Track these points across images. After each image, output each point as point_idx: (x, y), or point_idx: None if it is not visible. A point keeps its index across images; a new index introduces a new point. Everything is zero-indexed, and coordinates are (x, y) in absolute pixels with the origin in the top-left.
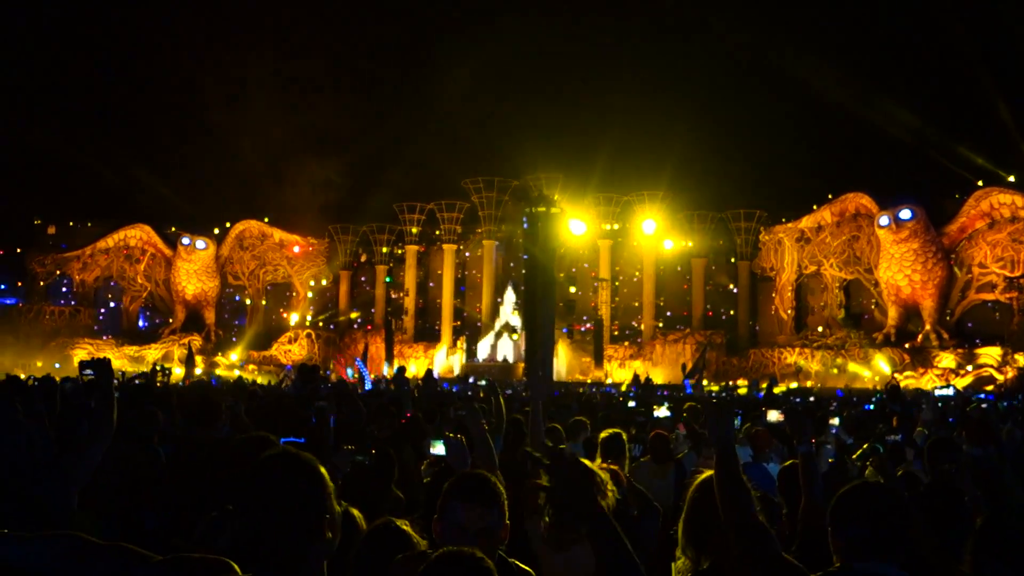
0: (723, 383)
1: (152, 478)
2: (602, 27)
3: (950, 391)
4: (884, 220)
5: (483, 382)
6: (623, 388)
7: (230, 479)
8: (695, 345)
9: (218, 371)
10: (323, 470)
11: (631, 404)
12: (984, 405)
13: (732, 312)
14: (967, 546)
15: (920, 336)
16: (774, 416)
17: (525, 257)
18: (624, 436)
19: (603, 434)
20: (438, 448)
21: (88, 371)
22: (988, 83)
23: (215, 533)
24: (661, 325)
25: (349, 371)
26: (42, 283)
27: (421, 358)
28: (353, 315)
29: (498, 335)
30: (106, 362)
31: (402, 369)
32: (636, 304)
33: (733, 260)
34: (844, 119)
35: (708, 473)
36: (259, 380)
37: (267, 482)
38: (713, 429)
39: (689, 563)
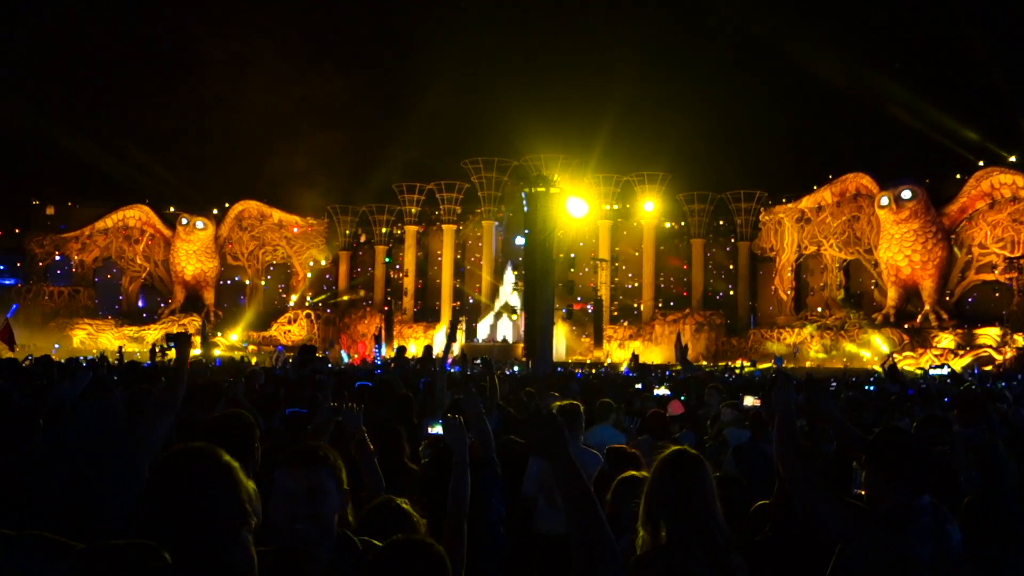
0: (723, 363)
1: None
2: (602, 5)
3: (944, 371)
4: (884, 200)
5: (478, 361)
6: (620, 368)
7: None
8: (694, 325)
9: (217, 351)
10: (228, 460)
11: (637, 386)
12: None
13: (732, 292)
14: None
15: (919, 317)
16: (749, 401)
17: (524, 237)
18: (581, 408)
19: (557, 404)
20: (436, 428)
21: (171, 343)
22: (989, 62)
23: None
24: (660, 305)
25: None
26: (41, 264)
27: (420, 338)
28: (349, 296)
29: (497, 315)
30: (187, 337)
31: (402, 349)
32: (636, 284)
33: (733, 240)
34: (844, 99)
35: (672, 449)
36: (254, 361)
37: (176, 479)
38: (777, 397)
39: (648, 537)
